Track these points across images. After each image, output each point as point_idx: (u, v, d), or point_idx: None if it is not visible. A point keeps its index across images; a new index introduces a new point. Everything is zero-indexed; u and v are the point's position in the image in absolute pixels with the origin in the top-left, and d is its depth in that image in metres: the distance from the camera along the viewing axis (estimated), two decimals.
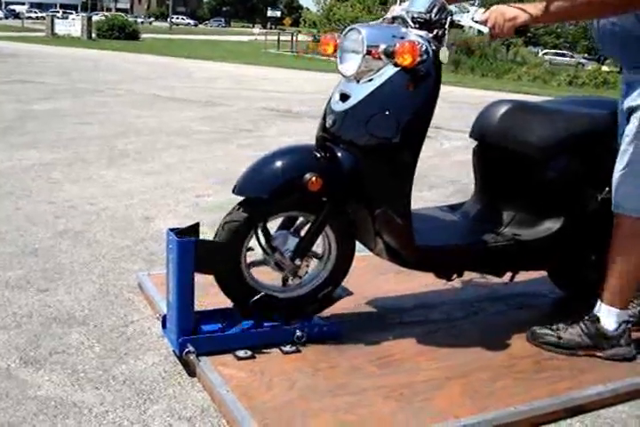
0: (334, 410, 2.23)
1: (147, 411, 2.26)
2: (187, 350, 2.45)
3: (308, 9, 39.29)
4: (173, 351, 2.58)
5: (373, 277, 3.34)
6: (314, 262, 2.76)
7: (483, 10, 2.45)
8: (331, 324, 2.73)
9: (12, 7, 68.15)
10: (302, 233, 2.68)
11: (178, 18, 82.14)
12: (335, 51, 2.61)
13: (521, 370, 2.59)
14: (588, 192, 2.85)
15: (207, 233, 3.89)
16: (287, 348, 2.59)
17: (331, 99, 2.65)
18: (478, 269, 3.00)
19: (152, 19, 70.47)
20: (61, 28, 34.51)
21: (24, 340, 2.68)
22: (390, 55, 2.40)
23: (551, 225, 2.87)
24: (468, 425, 2.20)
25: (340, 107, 2.56)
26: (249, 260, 2.63)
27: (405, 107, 2.48)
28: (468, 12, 2.47)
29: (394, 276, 3.35)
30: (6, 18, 58.25)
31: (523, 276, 3.13)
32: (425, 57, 2.41)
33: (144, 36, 37.17)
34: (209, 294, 2.78)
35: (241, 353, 2.51)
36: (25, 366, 2.49)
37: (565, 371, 2.61)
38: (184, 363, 2.53)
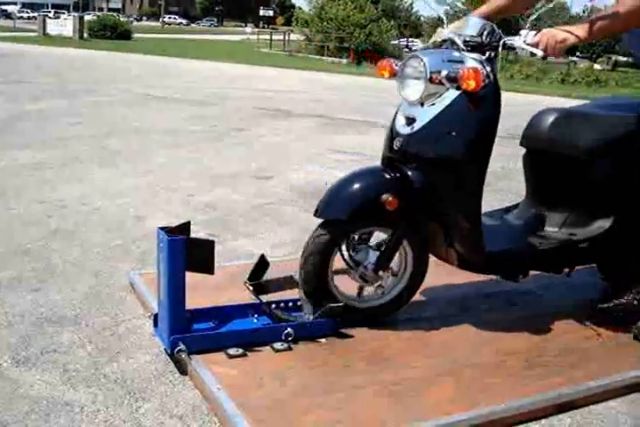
0: (326, 407, 2.24)
1: (138, 409, 2.26)
2: (178, 348, 2.46)
3: (300, 8, 39.23)
4: (165, 350, 2.58)
5: None
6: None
7: (534, 32, 2.60)
8: (321, 321, 2.73)
9: (3, 7, 67.85)
10: (380, 246, 2.85)
11: (170, 17, 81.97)
12: (391, 75, 2.77)
13: (511, 366, 2.61)
14: (636, 190, 2.99)
15: (199, 232, 3.92)
16: (278, 345, 2.60)
17: (394, 122, 2.81)
18: (540, 269, 3.12)
19: (132, 18, 69.23)
20: (53, 28, 34.36)
21: (15, 339, 2.68)
22: (453, 80, 2.57)
23: (603, 223, 3.04)
24: (460, 421, 2.21)
25: (407, 130, 2.72)
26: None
27: (470, 126, 2.65)
28: (520, 35, 2.63)
29: None
30: None
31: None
32: (487, 81, 2.59)
33: (136, 35, 37.09)
34: (200, 293, 2.79)
35: (232, 351, 2.52)
36: (16, 366, 2.49)
37: (555, 367, 2.62)
38: (175, 361, 2.53)
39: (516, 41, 2.62)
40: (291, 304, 2.87)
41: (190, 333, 2.56)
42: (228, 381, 2.34)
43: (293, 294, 2.83)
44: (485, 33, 2.67)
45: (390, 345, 2.72)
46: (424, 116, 2.67)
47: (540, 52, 2.58)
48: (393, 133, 2.79)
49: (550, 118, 3.04)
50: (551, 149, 3.05)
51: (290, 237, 4.16)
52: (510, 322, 2.98)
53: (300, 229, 4.27)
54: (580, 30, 2.58)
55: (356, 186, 2.71)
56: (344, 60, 28.27)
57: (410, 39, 41.66)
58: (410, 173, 2.70)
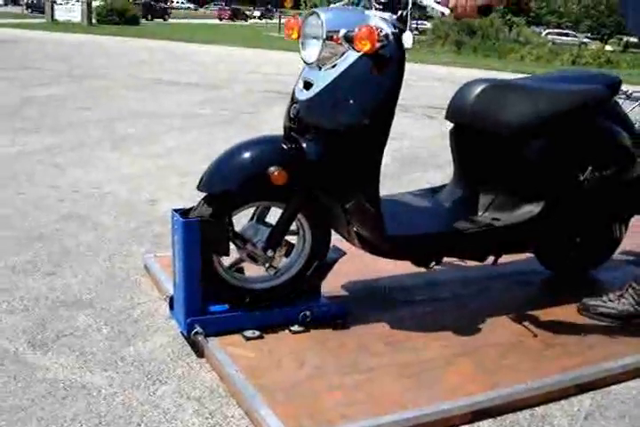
0: (344, 389, 2.23)
1: (156, 392, 2.25)
2: (195, 330, 2.45)
3: None
4: (181, 332, 2.57)
5: (376, 257, 3.32)
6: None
7: None
8: (337, 303, 2.72)
9: None
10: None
11: (177, 2, 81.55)
12: (300, 36, 2.51)
13: (529, 347, 2.58)
14: (570, 173, 2.74)
15: None
16: (295, 327, 2.59)
17: (295, 87, 2.58)
18: (458, 255, 2.91)
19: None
20: (61, 13, 34.27)
21: (31, 323, 2.68)
22: (350, 41, 2.31)
23: (532, 208, 2.76)
24: (480, 402, 2.19)
25: (303, 95, 2.47)
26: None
27: (370, 92, 2.39)
28: None
29: None
30: (5, 4, 57.85)
31: (526, 253, 3.13)
32: (385, 42, 2.30)
33: (143, 20, 36.98)
34: None
35: (249, 333, 2.51)
36: (33, 350, 2.48)
37: (574, 347, 2.60)
38: (192, 344, 2.52)
39: None
40: None
41: (206, 315, 2.54)
42: (245, 363, 2.33)
43: None
44: None
45: (406, 326, 2.70)
46: (321, 80, 2.41)
47: (447, 11, 2.33)
48: (292, 100, 2.55)
49: (476, 90, 2.79)
50: (477, 124, 2.79)
51: None
52: (526, 302, 2.95)
53: None
54: None
55: (243, 157, 2.46)
56: None
57: (414, 21, 41.28)
58: (305, 143, 2.45)
